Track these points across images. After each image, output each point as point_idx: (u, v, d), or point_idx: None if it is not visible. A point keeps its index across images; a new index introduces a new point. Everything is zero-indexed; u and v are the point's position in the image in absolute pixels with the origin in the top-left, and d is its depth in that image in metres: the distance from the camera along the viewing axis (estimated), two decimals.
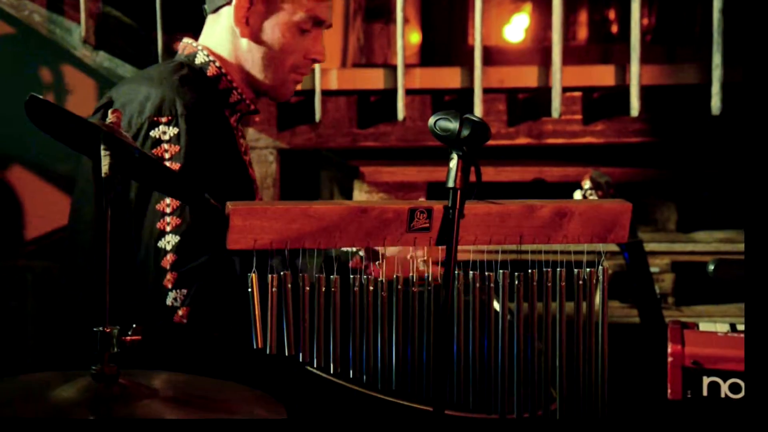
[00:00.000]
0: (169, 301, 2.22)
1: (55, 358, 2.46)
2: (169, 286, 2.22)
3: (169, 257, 2.23)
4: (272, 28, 2.42)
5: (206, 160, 2.29)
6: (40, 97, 1.73)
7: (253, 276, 1.83)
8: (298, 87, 3.93)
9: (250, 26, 2.42)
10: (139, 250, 2.27)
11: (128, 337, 1.71)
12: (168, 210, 2.25)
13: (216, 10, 2.46)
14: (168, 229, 2.24)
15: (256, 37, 2.41)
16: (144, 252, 2.26)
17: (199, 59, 2.43)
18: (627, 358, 3.70)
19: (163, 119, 2.27)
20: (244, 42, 2.42)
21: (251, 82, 2.45)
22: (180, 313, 2.22)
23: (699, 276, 3.90)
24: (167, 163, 2.25)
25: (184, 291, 2.22)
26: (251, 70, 2.43)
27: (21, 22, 3.95)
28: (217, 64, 2.41)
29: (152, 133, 2.26)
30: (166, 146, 2.26)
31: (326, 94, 3.87)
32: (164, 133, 2.26)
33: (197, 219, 2.24)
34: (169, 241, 2.23)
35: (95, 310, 1.65)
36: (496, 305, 1.94)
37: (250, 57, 2.43)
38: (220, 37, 2.44)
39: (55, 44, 3.94)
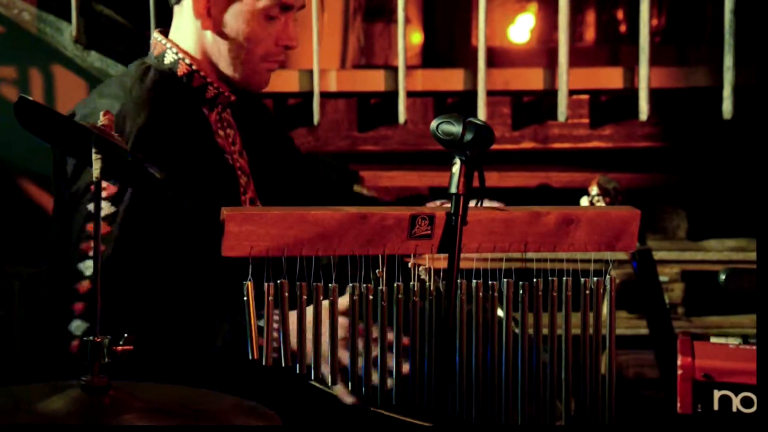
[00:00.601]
0: (71, 327, 2.19)
1: (43, 368, 2.45)
2: (76, 312, 2.19)
3: (86, 283, 2.19)
4: (235, 18, 2.35)
5: (167, 169, 2.23)
6: (30, 98, 1.73)
7: (249, 284, 1.83)
8: (296, 89, 3.94)
9: (213, 18, 2.35)
10: (61, 259, 2.24)
11: (120, 347, 1.71)
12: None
13: (179, 1, 2.41)
14: (90, 253, 2.18)
15: (219, 29, 2.35)
16: (65, 264, 2.23)
17: (168, 58, 2.38)
18: (636, 370, 3.69)
19: (116, 135, 2.23)
20: (208, 35, 2.36)
21: (221, 74, 2.39)
22: (75, 343, 2.19)
23: (710, 286, 3.90)
24: (102, 183, 2.22)
25: (86, 325, 2.18)
26: (219, 63, 2.37)
27: (10, 21, 3.95)
28: (187, 61, 2.37)
29: None
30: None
31: (325, 96, 3.87)
32: None
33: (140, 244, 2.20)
34: (89, 267, 2.19)
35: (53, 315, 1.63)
36: (500, 315, 1.94)
37: (216, 50, 2.36)
38: (186, 31, 2.38)
39: (46, 43, 3.94)
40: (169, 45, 2.39)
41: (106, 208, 2.19)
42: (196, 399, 1.80)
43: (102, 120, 1.79)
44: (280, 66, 2.47)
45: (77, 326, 2.17)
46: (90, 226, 2.18)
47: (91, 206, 2.20)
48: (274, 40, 2.38)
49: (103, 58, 3.86)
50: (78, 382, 1.70)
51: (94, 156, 1.72)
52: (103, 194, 2.19)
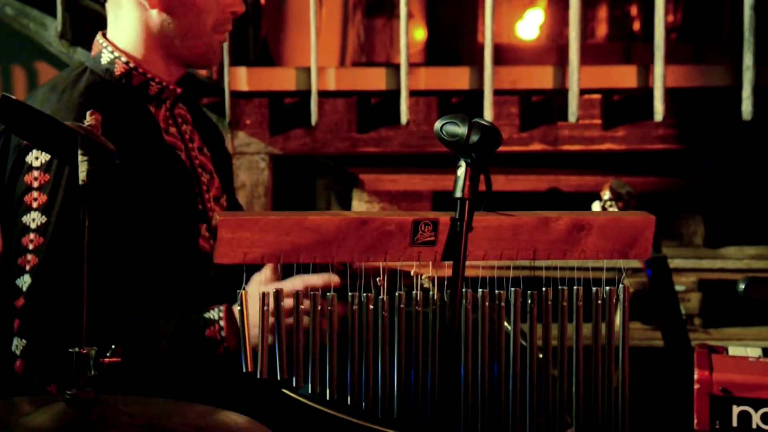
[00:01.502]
0: (12, 346, 2.20)
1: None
2: (14, 330, 2.20)
3: (21, 300, 2.18)
4: None
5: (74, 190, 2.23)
6: (13, 97, 1.73)
7: (243, 293, 1.83)
8: (293, 87, 3.94)
9: None
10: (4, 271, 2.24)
11: (107, 359, 1.71)
12: (30, 246, 2.21)
13: None
14: (27, 268, 2.20)
15: (165, 5, 2.35)
16: (5, 282, 2.24)
17: (105, 59, 2.37)
18: (650, 384, 3.69)
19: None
20: (155, 14, 2.34)
21: (173, 54, 2.38)
22: (17, 363, 2.20)
23: (728, 295, 3.90)
24: (35, 193, 2.22)
25: (24, 342, 2.19)
26: (171, 41, 2.36)
27: None
28: (124, 59, 2.36)
29: (27, 158, 2.23)
30: (36, 174, 2.22)
31: (323, 95, 3.87)
32: (36, 158, 2.23)
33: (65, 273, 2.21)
34: (25, 282, 2.20)
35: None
36: (507, 326, 1.94)
37: (166, 27, 2.34)
38: (124, 23, 2.37)
39: (29, 39, 3.95)
40: (105, 44, 2.37)
41: (37, 218, 2.20)
42: (185, 413, 1.80)
43: (88, 120, 1.79)
44: (226, 38, 2.47)
45: (16, 345, 2.18)
46: (25, 240, 2.20)
47: (25, 218, 2.21)
48: (221, 7, 2.38)
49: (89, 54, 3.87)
50: (63, 395, 1.70)
51: (80, 158, 1.73)
52: (34, 204, 2.20)
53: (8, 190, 2.24)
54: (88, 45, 3.86)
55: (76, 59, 3.86)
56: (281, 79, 3.92)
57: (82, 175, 1.73)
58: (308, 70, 3.84)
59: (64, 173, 2.21)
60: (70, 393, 1.70)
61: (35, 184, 2.20)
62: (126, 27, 2.37)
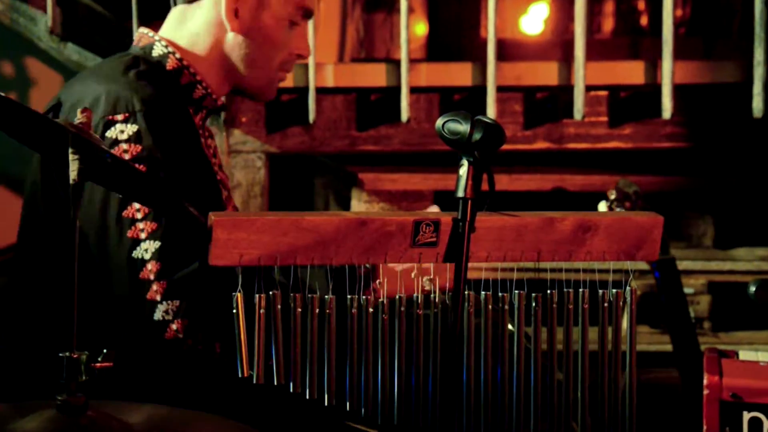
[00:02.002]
0: (158, 315, 2.22)
1: (14, 386, 2.46)
2: (158, 297, 2.21)
3: (151, 266, 2.22)
4: (263, 22, 2.44)
5: (172, 162, 2.28)
6: (2, 94, 1.73)
7: (239, 295, 1.83)
8: (290, 84, 3.94)
9: (240, 19, 2.43)
10: (102, 267, 2.25)
11: (98, 364, 1.71)
12: (138, 215, 2.24)
13: (193, 0, 2.47)
14: (143, 236, 2.23)
15: (246, 31, 2.43)
16: (111, 268, 2.25)
17: (157, 51, 2.42)
18: (658, 390, 3.69)
19: (119, 117, 2.26)
20: (231, 36, 2.43)
21: (235, 79, 2.45)
22: (174, 327, 2.21)
23: (738, 298, 3.90)
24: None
25: (177, 302, 2.21)
26: (238, 66, 2.44)
27: None
28: (178, 55, 2.41)
29: (108, 134, 2.26)
30: (125, 146, 2.25)
31: (321, 92, 3.87)
32: (122, 132, 2.26)
33: (177, 225, 2.24)
34: (147, 249, 2.22)
35: (50, 335, 1.65)
36: (511, 330, 1.94)
37: (237, 52, 2.44)
38: (195, 31, 2.44)
39: (18, 34, 3.94)
40: (157, 38, 2.43)
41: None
42: (180, 420, 1.80)
43: (79, 118, 1.79)
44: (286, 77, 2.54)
45: (164, 311, 2.19)
46: (127, 212, 2.22)
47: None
48: (291, 48, 2.46)
49: (81, 50, 3.87)
50: (54, 401, 1.70)
51: (71, 156, 1.73)
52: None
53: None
54: (79, 41, 3.88)
55: (66, 55, 3.86)
56: None
57: (72, 174, 1.72)
58: (306, 66, 3.84)
59: (156, 143, 2.23)
60: (61, 399, 1.70)
61: (126, 157, 2.23)
62: (194, 33, 2.43)
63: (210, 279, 2.22)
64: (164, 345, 2.22)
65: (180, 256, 2.22)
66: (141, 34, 2.47)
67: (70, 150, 1.73)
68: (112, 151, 2.24)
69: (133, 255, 2.23)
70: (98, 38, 3.92)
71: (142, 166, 2.24)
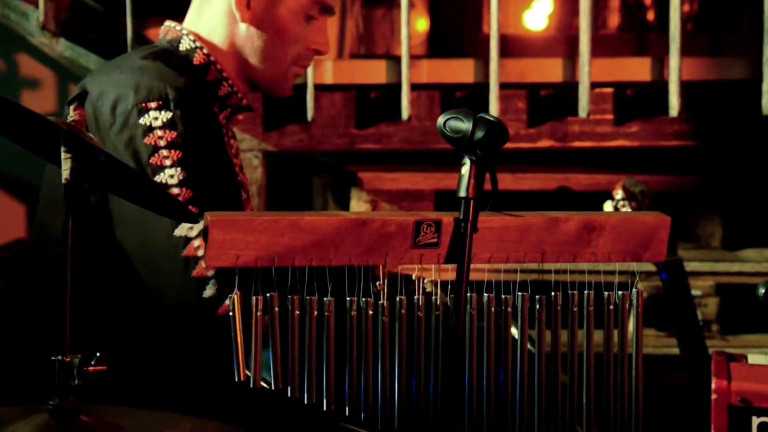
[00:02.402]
0: (208, 293, 2.22)
1: (12, 389, 2.46)
2: (209, 273, 2.21)
3: (198, 242, 2.22)
4: (277, 14, 2.44)
5: (203, 154, 2.29)
6: None
7: (235, 297, 1.83)
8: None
9: (252, 10, 2.43)
10: (143, 257, 2.26)
11: (91, 368, 1.71)
12: (175, 184, 2.24)
13: None
14: (192, 206, 2.23)
15: (258, 23, 2.43)
16: (154, 253, 2.25)
17: (184, 45, 2.44)
18: (664, 394, 3.69)
19: (153, 104, 2.28)
20: (243, 27, 2.43)
21: (248, 72, 2.46)
22: (228, 302, 2.21)
23: (747, 300, 3.89)
24: (164, 152, 2.26)
25: (222, 277, 2.21)
26: (250, 58, 2.44)
27: None
28: (205, 51, 2.42)
29: (142, 121, 2.27)
30: (159, 132, 2.26)
31: (320, 89, 3.87)
32: (156, 118, 2.27)
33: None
34: (192, 227, 2.23)
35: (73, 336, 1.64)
36: (515, 333, 1.94)
37: (250, 44, 2.43)
38: (211, 22, 2.45)
39: (10, 30, 3.94)
40: (185, 32, 2.45)
41: (176, 173, 2.24)
42: (174, 425, 1.80)
43: (72, 115, 1.80)
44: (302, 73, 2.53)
45: (213, 283, 2.19)
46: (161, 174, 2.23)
47: (159, 178, 2.23)
48: (307, 43, 2.46)
49: (74, 46, 3.87)
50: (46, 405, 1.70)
51: (63, 155, 1.73)
52: (167, 162, 2.23)
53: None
54: (72, 36, 3.88)
55: (58, 51, 3.86)
56: None
57: (65, 173, 1.73)
58: None
59: (190, 131, 2.23)
60: (53, 403, 1.70)
61: (162, 143, 2.24)
62: (209, 26, 2.44)
63: None
64: (217, 323, 2.22)
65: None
66: (168, 27, 2.49)
67: (62, 148, 1.73)
68: (146, 139, 2.25)
69: (176, 234, 2.23)
70: (91, 34, 3.92)
71: (178, 152, 2.25)
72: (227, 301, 2.19)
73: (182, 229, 2.24)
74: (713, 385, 2.11)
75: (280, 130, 3.90)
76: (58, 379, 1.70)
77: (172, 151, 2.25)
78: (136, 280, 2.30)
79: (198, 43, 2.43)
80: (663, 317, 3.88)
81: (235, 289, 1.82)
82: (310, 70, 3.81)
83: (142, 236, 2.27)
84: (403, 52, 3.80)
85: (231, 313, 1.83)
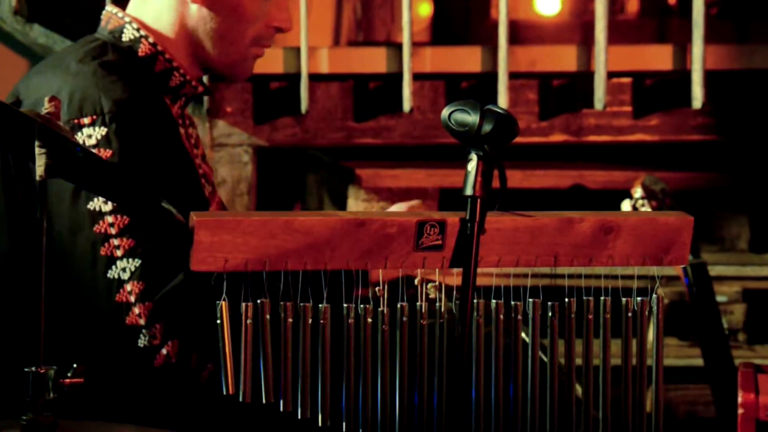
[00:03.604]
0: (143, 342, 2.20)
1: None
2: (141, 322, 2.20)
3: (131, 287, 2.20)
4: None
5: (146, 164, 2.26)
6: None
7: (223, 304, 1.83)
8: (280, 70, 3.94)
9: None
10: (71, 287, 2.24)
11: (68, 380, 1.71)
12: (113, 230, 2.22)
13: None
14: (119, 253, 2.21)
15: (210, 3, 2.38)
16: (83, 288, 2.23)
17: (128, 35, 2.39)
18: (687, 409, 3.69)
19: (86, 120, 2.25)
20: (194, 9, 2.38)
21: (202, 57, 2.41)
22: (164, 352, 2.20)
23: None
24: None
25: (162, 323, 2.20)
26: (204, 42, 2.39)
27: None
28: (151, 40, 2.38)
29: (76, 138, 2.25)
30: (93, 151, 2.24)
31: (315, 78, 3.87)
32: (89, 136, 2.24)
33: (156, 233, 2.23)
34: (124, 268, 2.20)
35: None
36: (525, 341, 1.94)
37: (202, 26, 2.38)
38: (158, 5, 2.40)
39: None
40: (128, 20, 2.39)
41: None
42: None
43: (47, 107, 1.79)
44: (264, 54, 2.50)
45: (151, 335, 2.19)
46: (99, 227, 2.20)
47: (92, 204, 2.22)
48: (267, 20, 2.42)
49: (49, 32, 3.87)
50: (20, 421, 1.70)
51: (37, 150, 1.73)
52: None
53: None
54: (45, 22, 3.88)
55: (32, 38, 3.86)
56: (267, 61, 3.89)
57: (39, 170, 1.73)
58: (298, 50, 3.84)
59: (127, 147, 2.23)
60: (27, 418, 1.70)
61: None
62: (156, 11, 2.40)
63: (197, 288, 2.21)
64: (155, 373, 2.21)
65: (163, 272, 2.21)
66: (109, 13, 2.43)
67: (36, 143, 1.73)
68: None
69: (108, 275, 2.21)
70: (67, 19, 3.92)
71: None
72: (164, 351, 2.19)
73: (115, 270, 2.22)
74: (740, 399, 2.11)
75: (272, 123, 3.90)
76: (32, 392, 1.70)
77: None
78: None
79: (143, 32, 2.38)
80: (685, 326, 3.88)
81: (223, 296, 1.82)
82: (304, 59, 3.81)
83: (68, 274, 2.25)
84: (405, 38, 3.80)
85: (219, 321, 1.83)
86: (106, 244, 2.21)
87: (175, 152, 2.37)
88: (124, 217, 2.22)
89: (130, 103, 2.28)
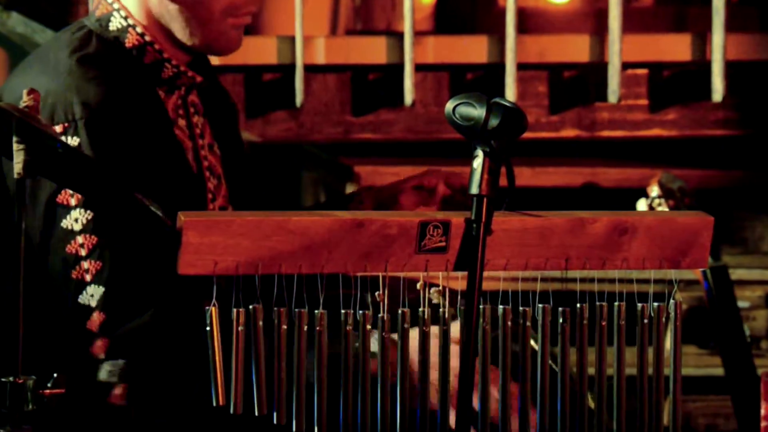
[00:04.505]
0: (103, 375, 2.21)
1: None
2: (101, 355, 2.20)
3: (96, 316, 2.20)
4: None
5: (126, 168, 2.25)
6: None
7: (213, 310, 1.83)
8: (273, 60, 3.94)
9: None
10: (48, 302, 2.25)
11: (47, 391, 1.72)
12: (83, 252, 2.22)
13: None
14: (88, 278, 2.21)
15: None
16: (61, 307, 2.24)
17: (115, 24, 2.37)
18: (707, 420, 3.70)
19: (58, 128, 2.24)
20: None
21: (177, 41, 2.39)
22: (117, 392, 2.20)
23: None
24: (70, 190, 2.23)
25: (121, 363, 2.20)
26: (172, 26, 2.37)
27: None
28: (139, 29, 2.36)
29: None
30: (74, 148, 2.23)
31: (310, 70, 3.87)
32: None
33: (130, 254, 2.22)
34: (93, 294, 2.20)
35: None
36: (534, 349, 1.95)
37: (166, 13, 2.34)
38: None
39: None
40: (116, 6, 2.38)
41: (81, 216, 2.21)
42: None
43: (25, 100, 1.79)
44: (251, 20, 2.46)
45: (110, 370, 2.19)
46: (71, 248, 2.20)
47: (65, 222, 2.22)
48: None
49: (28, 21, 3.87)
50: None
51: (15, 146, 1.73)
52: (73, 202, 2.21)
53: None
54: (25, 10, 3.88)
55: (10, 27, 3.86)
56: (259, 51, 3.92)
57: (17, 167, 1.73)
58: (292, 39, 3.85)
59: (101, 155, 2.22)
60: (5, 431, 1.70)
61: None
62: None
63: (167, 329, 2.21)
64: (107, 408, 2.22)
65: (128, 306, 2.20)
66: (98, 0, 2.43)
67: (14, 138, 1.73)
68: None
69: (80, 300, 2.21)
70: (47, 7, 3.92)
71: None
72: (116, 390, 2.19)
73: (85, 295, 2.22)
74: (763, 411, 2.11)
75: (265, 117, 3.90)
76: (9, 403, 1.70)
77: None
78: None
79: (130, 21, 2.35)
80: (705, 332, 3.88)
81: (213, 301, 1.83)
82: (299, 49, 3.81)
83: (45, 290, 2.25)
84: (407, 27, 3.81)
85: (208, 328, 1.84)
86: (77, 267, 2.21)
87: (165, 149, 2.36)
88: (93, 236, 2.20)
89: (105, 104, 2.26)
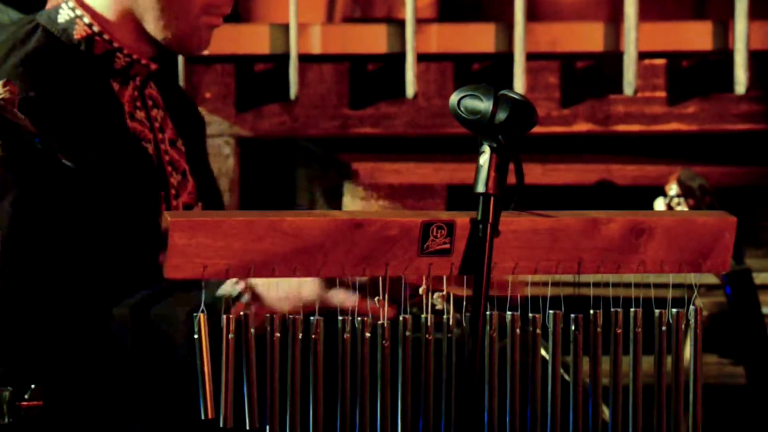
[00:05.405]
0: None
1: None
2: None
3: None
4: None
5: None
6: None
7: (201, 317, 1.83)
8: (265, 50, 3.94)
9: None
10: None
11: (25, 402, 1.72)
12: None
13: None
14: None
15: None
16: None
17: (63, 16, 2.40)
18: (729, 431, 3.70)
19: None
20: None
21: (148, 35, 2.41)
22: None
23: None
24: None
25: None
26: (145, 17, 2.39)
27: None
28: (87, 20, 2.39)
29: None
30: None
31: (305, 60, 3.88)
32: None
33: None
34: None
35: None
36: (545, 358, 1.95)
37: (141, 3, 2.39)
38: None
39: None
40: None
41: None
42: None
43: (1, 92, 1.80)
44: (222, 22, 2.48)
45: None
46: None
47: None
48: None
49: (2, 7, 3.87)
50: None
51: None
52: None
53: None
54: None
55: None
56: (251, 39, 3.92)
57: None
58: (286, 27, 3.85)
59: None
60: None
61: None
62: None
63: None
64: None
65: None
66: None
67: None
68: None
69: None
70: None
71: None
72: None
73: None
74: None
75: (257, 110, 3.90)
76: None
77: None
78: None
79: (79, 11, 2.38)
80: (727, 340, 3.88)
81: (201, 307, 1.83)
82: (293, 38, 3.81)
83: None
84: (408, 14, 3.81)
85: (196, 336, 1.84)
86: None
87: (117, 139, 2.37)
88: None
89: (41, 103, 2.27)
